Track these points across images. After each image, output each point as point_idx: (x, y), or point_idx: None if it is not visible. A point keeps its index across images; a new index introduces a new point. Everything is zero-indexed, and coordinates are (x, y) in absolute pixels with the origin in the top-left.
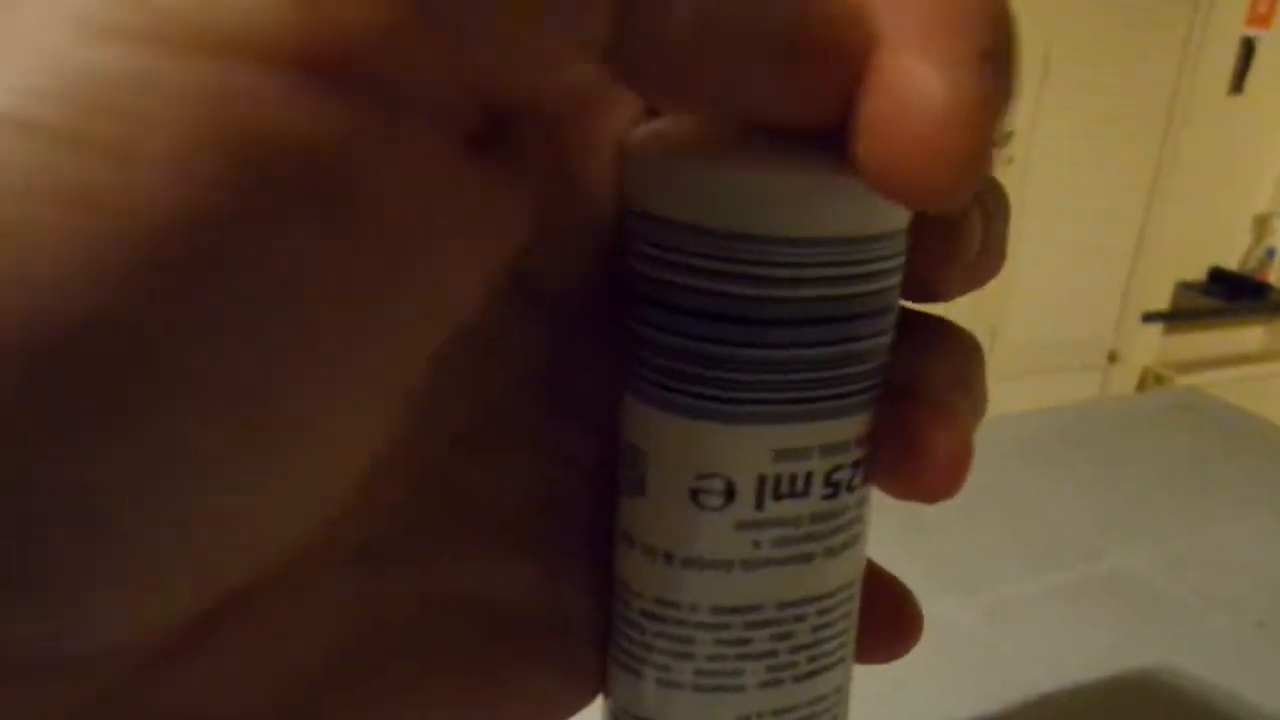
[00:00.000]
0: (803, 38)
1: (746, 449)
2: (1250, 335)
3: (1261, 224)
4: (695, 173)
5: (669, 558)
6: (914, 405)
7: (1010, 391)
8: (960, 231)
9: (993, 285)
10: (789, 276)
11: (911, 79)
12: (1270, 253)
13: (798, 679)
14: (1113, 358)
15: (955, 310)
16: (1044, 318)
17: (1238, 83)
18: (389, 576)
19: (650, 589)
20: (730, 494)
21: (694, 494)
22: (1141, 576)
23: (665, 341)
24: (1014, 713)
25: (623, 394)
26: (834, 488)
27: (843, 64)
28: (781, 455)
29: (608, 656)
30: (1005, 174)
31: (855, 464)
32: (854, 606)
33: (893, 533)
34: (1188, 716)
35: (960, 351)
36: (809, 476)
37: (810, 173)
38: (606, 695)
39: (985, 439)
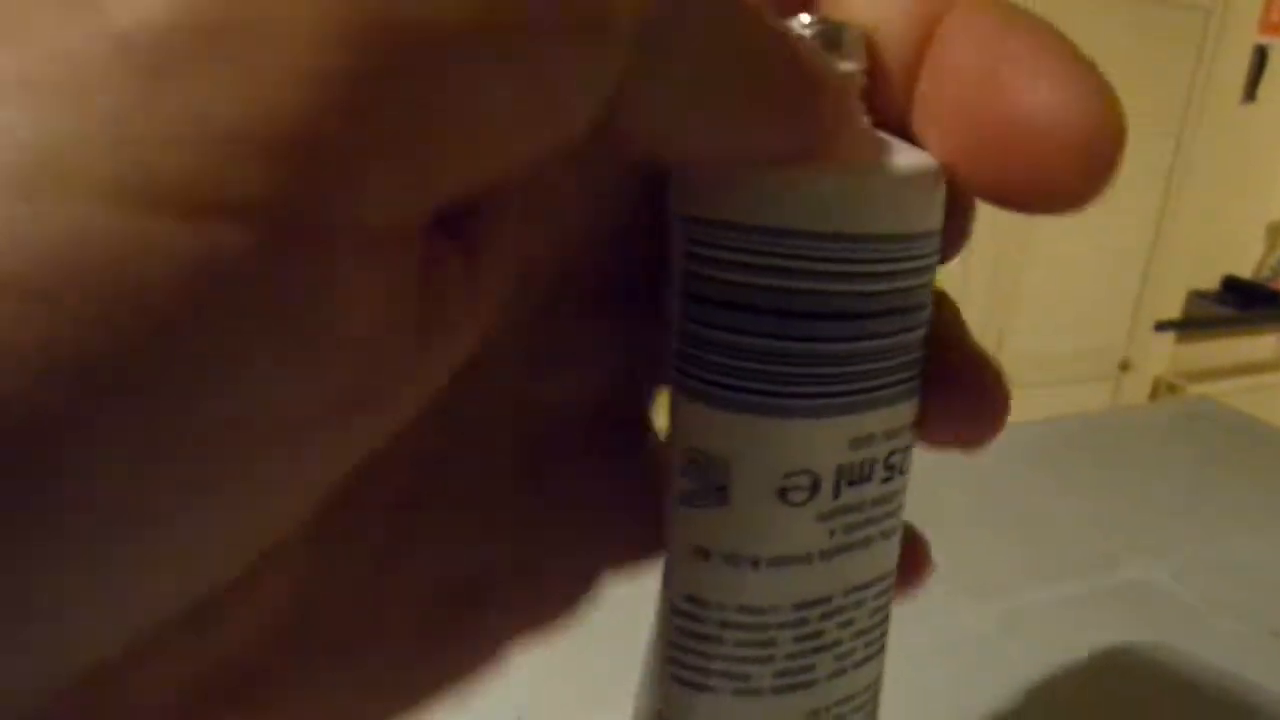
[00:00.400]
0: (797, 84)
1: (830, 440)
2: (1263, 344)
3: (1275, 232)
4: (782, 178)
5: (755, 562)
6: (957, 354)
7: (1021, 401)
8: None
9: (1002, 294)
10: (872, 271)
11: (1043, 103)
12: None
13: (857, 665)
14: (1124, 367)
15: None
16: (1055, 327)
17: (1251, 91)
18: (342, 552)
19: (732, 598)
20: (815, 487)
21: (782, 492)
22: (1154, 585)
23: (750, 344)
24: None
25: (681, 406)
26: (890, 470)
27: (836, 99)
28: (855, 443)
29: (659, 678)
30: None
31: (906, 447)
32: (892, 593)
33: None
34: None
35: (953, 307)
36: (874, 462)
37: (887, 171)
38: (660, 717)
39: (997, 448)
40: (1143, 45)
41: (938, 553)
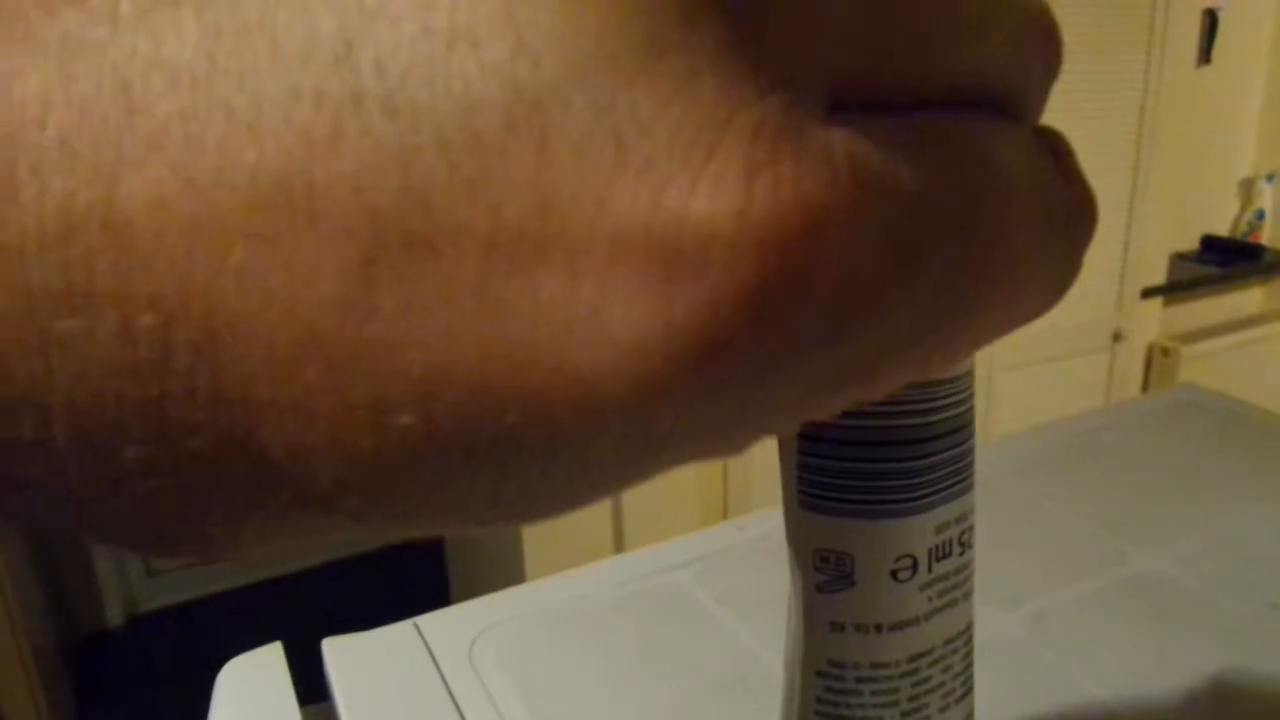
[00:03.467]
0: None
1: (923, 530)
2: (1250, 297)
3: (1247, 187)
4: None
5: (879, 628)
6: None
7: (1018, 381)
8: None
9: None
10: (944, 404)
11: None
12: (1260, 214)
13: (958, 700)
14: (1117, 337)
15: None
16: None
17: (1205, 54)
18: None
19: (865, 658)
20: (915, 566)
21: (893, 573)
22: (1164, 574)
23: (863, 469)
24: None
25: (806, 515)
26: (963, 546)
27: None
28: (939, 529)
29: None
30: None
31: (971, 526)
32: (973, 641)
33: None
34: (1229, 707)
35: None
36: (951, 541)
37: None
38: None
39: (999, 460)
40: (1097, 20)
41: None
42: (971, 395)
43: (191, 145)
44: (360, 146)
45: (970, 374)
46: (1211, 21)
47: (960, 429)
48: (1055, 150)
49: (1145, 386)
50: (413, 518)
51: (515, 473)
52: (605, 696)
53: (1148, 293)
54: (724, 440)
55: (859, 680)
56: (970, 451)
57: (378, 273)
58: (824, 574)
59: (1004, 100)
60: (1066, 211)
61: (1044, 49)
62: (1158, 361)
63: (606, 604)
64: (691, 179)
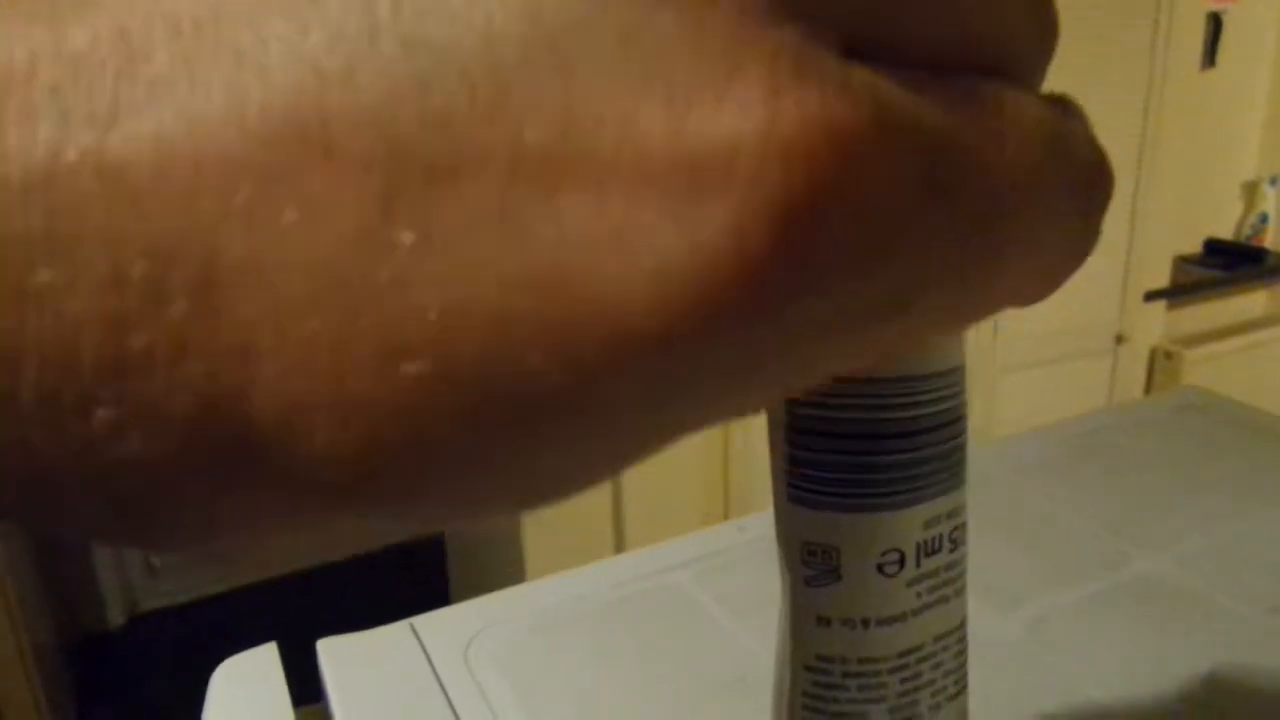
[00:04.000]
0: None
1: (910, 525)
2: (1253, 301)
3: (1251, 190)
4: None
5: (866, 622)
6: None
7: (1021, 383)
8: None
9: None
10: (932, 399)
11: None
12: (1263, 218)
13: (949, 698)
14: (1120, 340)
15: None
16: (1048, 307)
17: (1209, 57)
18: None
19: (852, 652)
20: (903, 561)
21: (879, 567)
22: (1166, 576)
23: (848, 462)
24: None
25: (794, 509)
26: (954, 543)
27: None
28: (928, 524)
29: None
30: None
31: (963, 523)
32: (966, 638)
33: None
34: (1229, 709)
35: None
36: (941, 537)
37: None
38: None
39: (1001, 461)
40: (1101, 22)
41: None
42: (961, 391)
43: (196, 88)
44: (377, 79)
45: (959, 370)
46: (1216, 24)
47: (947, 424)
48: (1068, 112)
49: (1148, 390)
50: (409, 498)
51: (531, 430)
52: (603, 697)
53: (1151, 296)
54: (745, 388)
55: (846, 675)
56: (962, 448)
57: (397, 206)
58: (811, 568)
59: (1007, 69)
60: (1083, 170)
61: (1042, 20)
62: (1160, 365)
63: (605, 604)
64: (716, 98)
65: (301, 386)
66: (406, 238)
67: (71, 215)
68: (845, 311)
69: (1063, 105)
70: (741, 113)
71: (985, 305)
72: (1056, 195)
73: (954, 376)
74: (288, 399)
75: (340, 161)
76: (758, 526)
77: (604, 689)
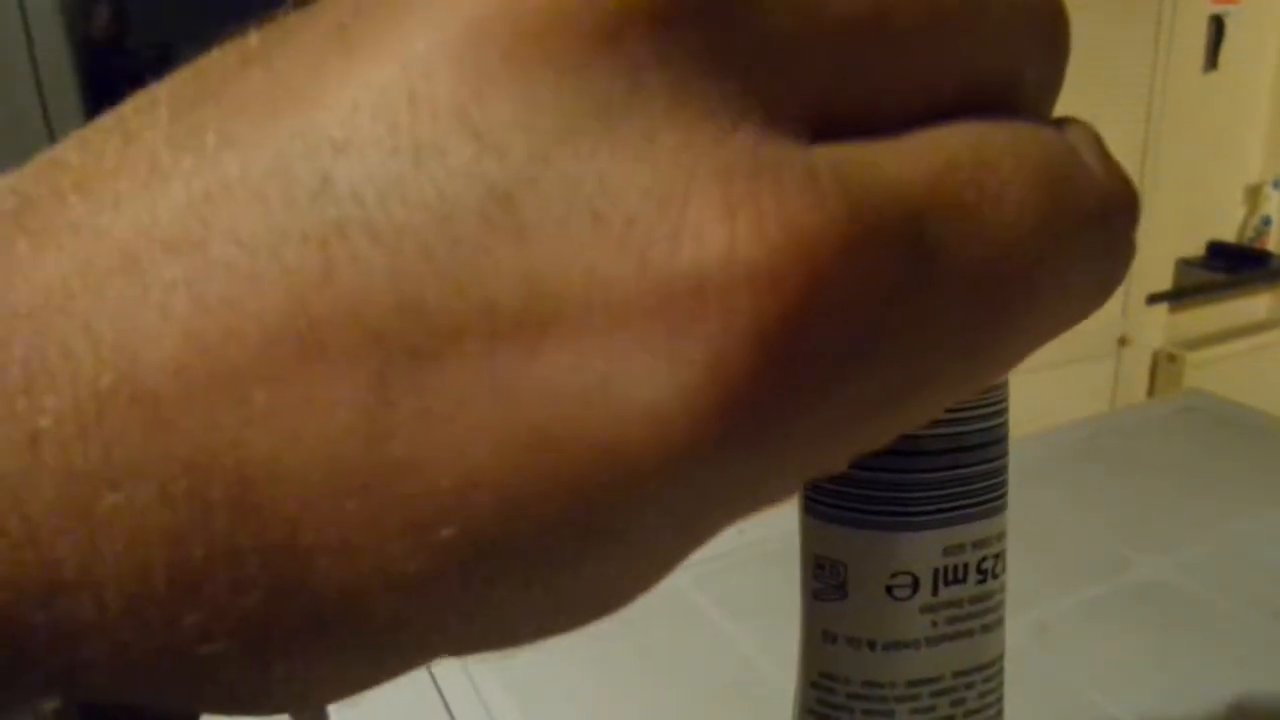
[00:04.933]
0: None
1: (926, 549)
2: (1256, 304)
3: (1254, 193)
4: None
5: (872, 645)
6: None
7: (1023, 386)
8: None
9: None
10: (962, 416)
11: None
12: (1266, 221)
13: None
14: (1123, 343)
15: None
16: None
17: (1212, 59)
18: None
19: (857, 674)
20: (915, 585)
21: (889, 589)
22: (1169, 581)
23: (862, 477)
24: None
25: (808, 520)
26: (983, 574)
27: None
28: (948, 551)
29: None
30: None
31: (997, 555)
32: (1003, 677)
33: None
34: (1231, 714)
35: None
36: (966, 566)
37: None
38: None
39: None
40: (1103, 24)
41: None
42: (984, 417)
43: (199, 307)
44: (351, 273)
45: (1001, 387)
46: (1218, 27)
47: (962, 450)
48: (1077, 137)
49: (1151, 393)
50: (477, 638)
51: (569, 565)
52: (601, 700)
53: (1153, 299)
54: (773, 487)
55: (850, 697)
56: (993, 474)
57: (390, 391)
58: (820, 581)
59: (1004, 94)
60: (1098, 203)
61: (1040, 27)
62: (1163, 368)
63: None
64: (673, 231)
65: (351, 570)
66: (405, 419)
67: (118, 443)
68: (849, 409)
69: (1072, 131)
70: (699, 243)
71: (1007, 363)
72: (1073, 238)
73: (994, 392)
74: (343, 581)
75: (332, 357)
76: (757, 529)
77: (602, 692)
